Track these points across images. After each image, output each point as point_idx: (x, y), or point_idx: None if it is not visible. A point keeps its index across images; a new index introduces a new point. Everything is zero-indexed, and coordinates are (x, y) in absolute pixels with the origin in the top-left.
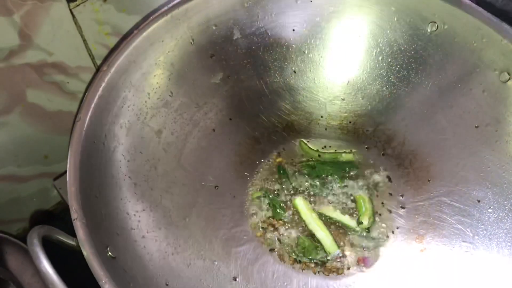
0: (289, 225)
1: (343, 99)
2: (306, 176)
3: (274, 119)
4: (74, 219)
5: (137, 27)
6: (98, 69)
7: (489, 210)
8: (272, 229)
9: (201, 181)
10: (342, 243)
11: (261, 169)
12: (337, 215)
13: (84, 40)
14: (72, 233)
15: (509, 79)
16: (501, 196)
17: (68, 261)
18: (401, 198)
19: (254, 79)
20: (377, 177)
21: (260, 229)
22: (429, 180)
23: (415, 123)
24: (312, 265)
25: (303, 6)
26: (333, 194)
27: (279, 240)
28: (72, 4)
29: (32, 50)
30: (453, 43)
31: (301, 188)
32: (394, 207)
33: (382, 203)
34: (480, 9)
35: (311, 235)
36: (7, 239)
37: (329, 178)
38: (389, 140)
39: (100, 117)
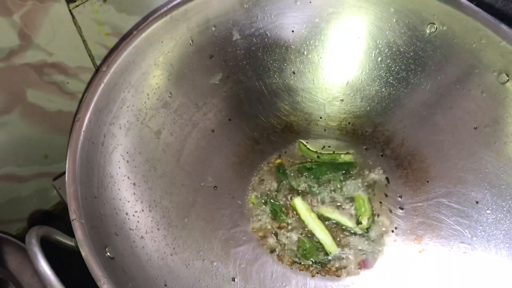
0: (290, 227)
1: (342, 100)
2: (305, 177)
3: (273, 119)
4: (72, 219)
5: (137, 28)
6: (97, 69)
7: (488, 212)
8: (273, 232)
9: (200, 182)
10: (341, 244)
11: (260, 170)
12: (336, 215)
13: (84, 41)
14: (71, 234)
15: (508, 80)
16: (500, 197)
17: (66, 261)
18: (399, 199)
19: (253, 80)
20: (375, 178)
21: (261, 233)
22: (427, 181)
23: (414, 124)
24: (311, 266)
25: (302, 7)
26: (332, 195)
27: (280, 243)
28: (71, 5)
29: (32, 50)
30: (452, 44)
31: (300, 189)
32: (393, 208)
33: (381, 203)
34: (479, 10)
35: (312, 236)
36: (6, 239)
37: (328, 178)
38: (388, 141)
39: (99, 117)
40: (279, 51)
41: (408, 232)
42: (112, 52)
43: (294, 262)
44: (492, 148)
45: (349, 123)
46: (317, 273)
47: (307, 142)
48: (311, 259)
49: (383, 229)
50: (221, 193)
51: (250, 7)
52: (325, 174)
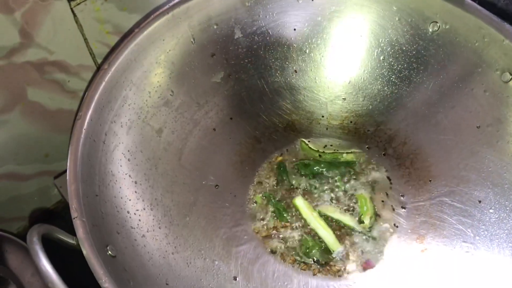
0: (292, 226)
1: (344, 99)
2: (306, 175)
3: (275, 118)
4: (74, 218)
5: (138, 26)
6: (99, 67)
7: (490, 211)
8: (275, 231)
9: (201, 180)
10: (343, 243)
11: (262, 169)
12: (337, 215)
13: (85, 39)
14: (72, 232)
15: (511, 79)
16: (503, 196)
17: (67, 260)
18: (402, 198)
19: (255, 79)
20: (377, 177)
21: (264, 233)
22: (430, 180)
23: (416, 123)
24: (313, 265)
25: (304, 5)
26: (334, 194)
27: (282, 242)
28: (73, 3)
29: (33, 48)
30: (454, 43)
31: (301, 188)
32: (395, 207)
33: (383, 202)
34: (482, 8)
35: (314, 235)
36: (7, 237)
37: (329, 177)
38: (390, 140)
39: (101, 115)
40: (281, 50)
41: (410, 231)
42: (114, 50)
43: (296, 260)
44: (495, 147)
45: (351, 122)
46: (319, 271)
47: (309, 141)
48: (313, 257)
49: (385, 228)
50: (223, 192)
51: (252, 5)
52: (319, 172)
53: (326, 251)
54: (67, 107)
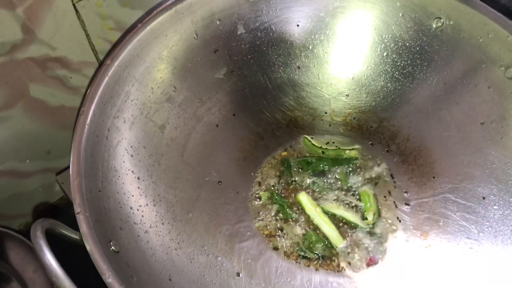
0: (296, 221)
1: (347, 95)
2: (309, 172)
3: (278, 115)
4: (77, 213)
5: (141, 21)
6: (101, 62)
7: (495, 207)
8: (279, 228)
9: (204, 177)
10: (346, 240)
11: (265, 165)
12: (341, 211)
13: (87, 35)
14: (75, 228)
15: None
16: (507, 193)
17: (70, 256)
18: (405, 194)
19: (258, 75)
20: (381, 174)
21: (267, 231)
22: (433, 177)
23: (419, 120)
24: (316, 261)
25: (307, 1)
26: (337, 190)
27: (285, 237)
28: None
29: (35, 44)
30: (458, 39)
31: (304, 184)
32: (398, 204)
33: (386, 198)
34: (485, 5)
35: (318, 231)
36: (9, 234)
37: (332, 174)
38: (394, 137)
39: (104, 110)
40: (284, 46)
41: (414, 227)
42: (117, 45)
43: (299, 256)
44: (499, 144)
45: (354, 118)
46: (320, 266)
47: (312, 138)
48: (316, 252)
49: (389, 224)
50: (225, 188)
51: (255, 1)
52: (321, 169)
53: (330, 246)
54: (69, 104)
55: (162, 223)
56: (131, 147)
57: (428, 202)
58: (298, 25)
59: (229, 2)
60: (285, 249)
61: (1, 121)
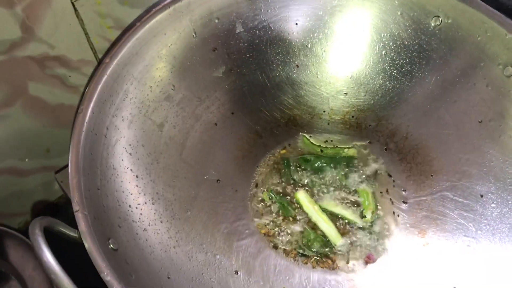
0: (294, 219)
1: (346, 94)
2: (308, 170)
3: (277, 113)
4: (76, 211)
5: (140, 20)
6: (100, 61)
7: (492, 205)
8: (277, 226)
9: (203, 175)
10: (344, 237)
11: (263, 163)
12: (339, 209)
13: (86, 34)
14: (74, 226)
15: None
16: (505, 191)
17: (69, 253)
18: (403, 192)
19: (256, 73)
20: (379, 172)
21: (265, 229)
22: (431, 175)
23: (418, 118)
24: (314, 258)
25: None
26: (335, 189)
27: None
28: None
29: (34, 42)
30: (456, 37)
31: (302, 183)
32: (397, 202)
33: (384, 195)
34: (483, 3)
35: (316, 228)
36: (8, 232)
37: (331, 172)
38: (392, 135)
39: (102, 109)
40: (282, 44)
41: (412, 225)
42: (115, 43)
43: (297, 254)
44: (497, 142)
45: (352, 116)
46: (317, 264)
47: (310, 136)
48: (315, 250)
49: (387, 222)
50: (224, 186)
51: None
52: (320, 167)
53: (328, 244)
54: (68, 102)
55: (161, 221)
56: (130, 145)
57: (426, 200)
58: (296, 24)
59: (228, 0)
60: (283, 247)
61: (0, 119)
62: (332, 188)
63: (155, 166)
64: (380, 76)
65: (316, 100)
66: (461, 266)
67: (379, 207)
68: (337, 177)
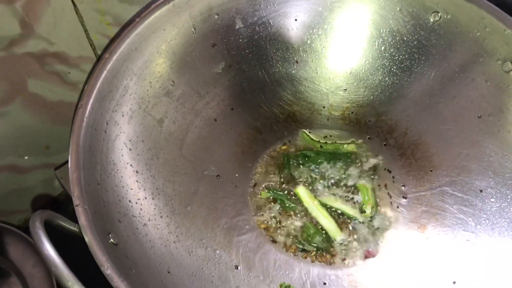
0: (294, 214)
1: (345, 90)
2: (307, 166)
3: (276, 109)
4: (76, 205)
5: (139, 15)
6: (99, 56)
7: (492, 200)
8: (277, 221)
9: (202, 171)
10: (344, 232)
11: (263, 159)
12: (339, 204)
13: (86, 30)
14: (75, 222)
15: None
16: (504, 185)
17: (70, 247)
18: (403, 188)
19: (256, 69)
20: (378, 167)
21: (265, 224)
22: (431, 170)
23: (417, 114)
24: (313, 252)
25: None
26: (335, 184)
27: (283, 230)
28: None
29: (33, 39)
30: (456, 32)
31: (302, 178)
32: (396, 197)
33: (383, 190)
34: None
35: (316, 223)
36: (8, 229)
37: (330, 168)
38: (391, 131)
39: (102, 104)
40: (282, 40)
41: (412, 221)
42: (115, 39)
43: (297, 249)
44: (496, 137)
45: (352, 112)
46: (316, 259)
47: (310, 132)
48: (315, 244)
49: (387, 217)
50: (224, 182)
51: None
52: (320, 163)
53: (328, 239)
54: (67, 99)
55: (161, 216)
56: (130, 140)
57: (426, 196)
58: (296, 20)
59: None
60: (283, 242)
61: (0, 116)
62: (331, 184)
63: (155, 161)
64: (380, 72)
65: (316, 96)
66: (461, 260)
67: (378, 202)
68: (337, 173)
